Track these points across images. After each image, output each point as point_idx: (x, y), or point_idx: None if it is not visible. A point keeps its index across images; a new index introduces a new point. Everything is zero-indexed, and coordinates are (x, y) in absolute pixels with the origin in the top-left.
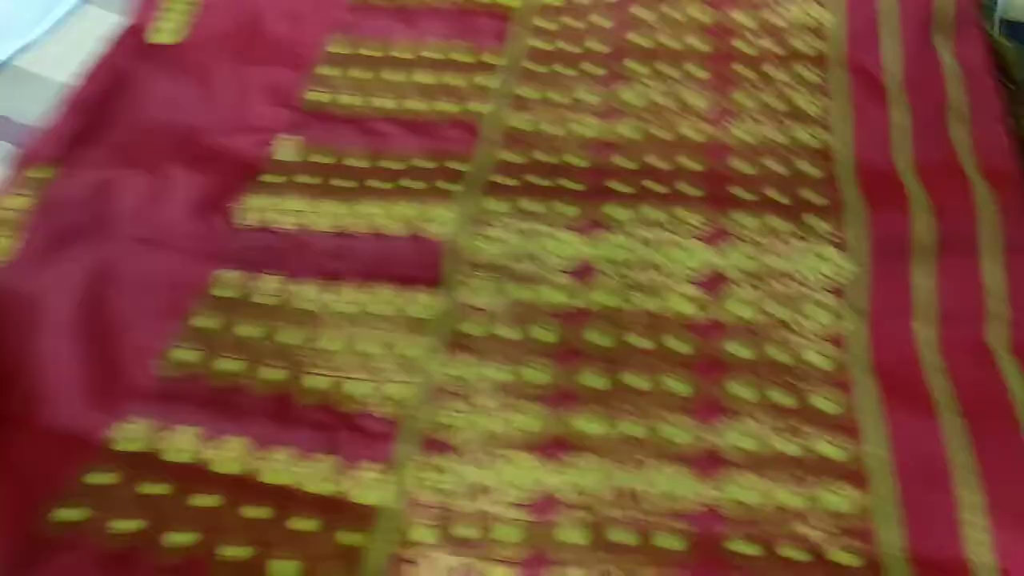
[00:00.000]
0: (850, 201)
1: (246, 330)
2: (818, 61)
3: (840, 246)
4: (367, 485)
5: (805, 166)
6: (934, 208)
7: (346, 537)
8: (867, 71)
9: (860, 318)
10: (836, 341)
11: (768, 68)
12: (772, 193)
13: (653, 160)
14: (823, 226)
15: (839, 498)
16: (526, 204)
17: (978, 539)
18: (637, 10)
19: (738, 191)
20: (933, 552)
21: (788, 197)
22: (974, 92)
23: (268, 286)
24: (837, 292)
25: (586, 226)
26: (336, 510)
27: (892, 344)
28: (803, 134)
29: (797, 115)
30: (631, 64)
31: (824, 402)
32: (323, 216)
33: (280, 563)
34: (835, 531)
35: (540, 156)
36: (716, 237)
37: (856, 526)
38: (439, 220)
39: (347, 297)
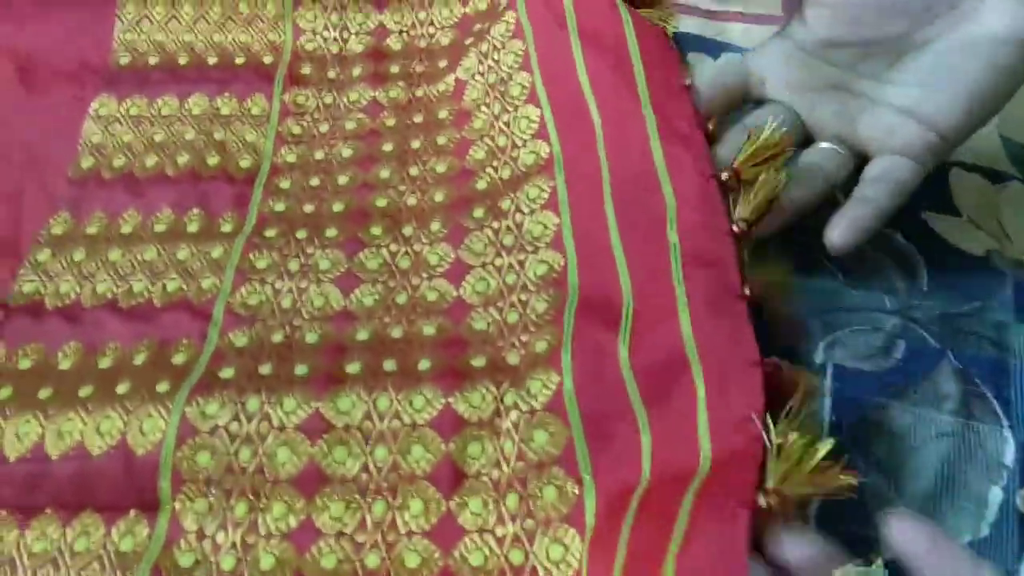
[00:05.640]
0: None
1: None
2: (543, 168)
3: (560, 285)
4: None
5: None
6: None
7: None
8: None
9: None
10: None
11: (501, 201)
12: (508, 355)
13: (391, 329)
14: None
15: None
16: (251, 403)
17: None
18: (379, 170)
19: (476, 360)
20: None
21: (517, 354)
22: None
23: None
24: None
25: (312, 428)
26: None
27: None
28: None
29: (529, 243)
30: (372, 228)
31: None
32: (21, 439)
33: None
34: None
35: (273, 336)
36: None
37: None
38: (151, 432)
39: (45, 533)
